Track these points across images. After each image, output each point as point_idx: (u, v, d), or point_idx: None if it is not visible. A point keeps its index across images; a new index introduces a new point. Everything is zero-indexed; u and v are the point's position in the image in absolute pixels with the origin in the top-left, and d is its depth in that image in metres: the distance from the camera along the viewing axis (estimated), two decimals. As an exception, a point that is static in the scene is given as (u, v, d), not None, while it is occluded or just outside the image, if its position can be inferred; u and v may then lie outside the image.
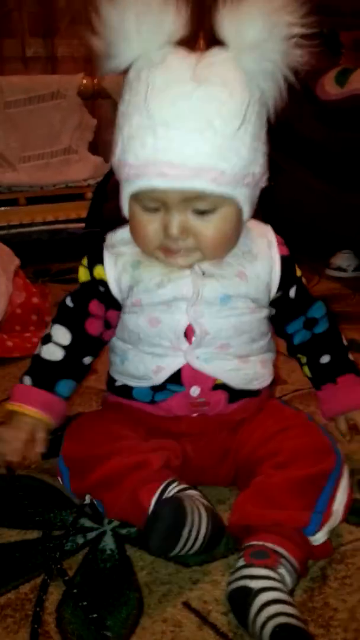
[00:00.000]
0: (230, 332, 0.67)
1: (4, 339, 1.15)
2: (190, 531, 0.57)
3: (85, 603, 0.57)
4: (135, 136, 0.57)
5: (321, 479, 0.62)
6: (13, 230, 1.81)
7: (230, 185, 0.58)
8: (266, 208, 1.70)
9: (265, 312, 0.71)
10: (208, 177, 0.57)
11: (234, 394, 0.70)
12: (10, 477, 0.76)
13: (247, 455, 0.68)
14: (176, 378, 0.68)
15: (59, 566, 0.61)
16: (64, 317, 0.71)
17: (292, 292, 0.72)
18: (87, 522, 0.69)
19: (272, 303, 0.71)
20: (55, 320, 0.72)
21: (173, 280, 0.65)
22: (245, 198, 0.61)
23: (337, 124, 1.50)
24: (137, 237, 0.64)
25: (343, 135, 1.47)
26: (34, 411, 0.68)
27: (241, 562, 0.56)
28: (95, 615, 0.55)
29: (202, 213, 0.60)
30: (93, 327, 0.70)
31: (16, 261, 1.32)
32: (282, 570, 0.55)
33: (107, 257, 0.68)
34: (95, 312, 0.70)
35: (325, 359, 0.74)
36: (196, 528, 0.58)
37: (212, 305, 0.66)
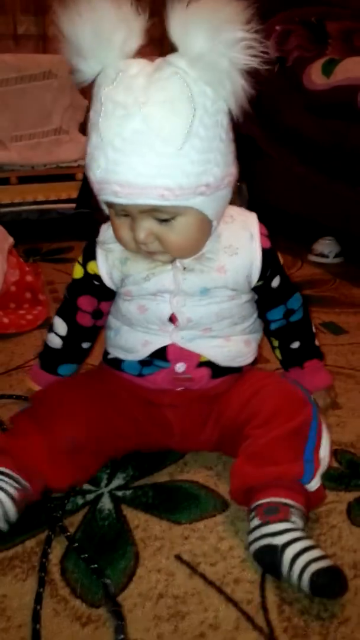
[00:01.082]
0: (212, 318, 0.73)
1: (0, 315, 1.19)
2: None
3: (86, 555, 0.63)
4: (93, 156, 0.61)
5: (303, 429, 0.69)
6: (3, 209, 1.82)
7: (181, 198, 0.60)
8: (253, 194, 1.75)
9: (245, 298, 0.75)
10: (154, 194, 0.59)
11: (218, 371, 0.75)
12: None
13: (229, 422, 0.74)
14: (162, 354, 0.74)
15: (60, 524, 0.67)
16: (61, 309, 0.81)
17: (274, 282, 0.76)
18: (86, 485, 0.74)
19: (255, 289, 0.76)
20: (57, 312, 0.82)
21: (156, 275, 0.70)
22: (203, 204, 0.63)
23: (323, 114, 1.55)
24: (118, 238, 0.68)
25: (329, 124, 1.52)
26: (30, 383, 0.86)
27: (256, 522, 0.62)
28: (95, 566, 0.61)
29: (163, 221, 0.63)
30: (84, 320, 0.80)
31: (10, 240, 1.35)
32: (295, 519, 0.62)
33: (99, 253, 0.74)
34: (84, 308, 0.79)
35: (295, 344, 0.82)
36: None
37: (192, 296, 0.71)
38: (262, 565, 0.61)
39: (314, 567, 0.57)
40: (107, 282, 0.74)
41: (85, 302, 0.78)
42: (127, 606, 0.58)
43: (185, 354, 0.74)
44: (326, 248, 1.71)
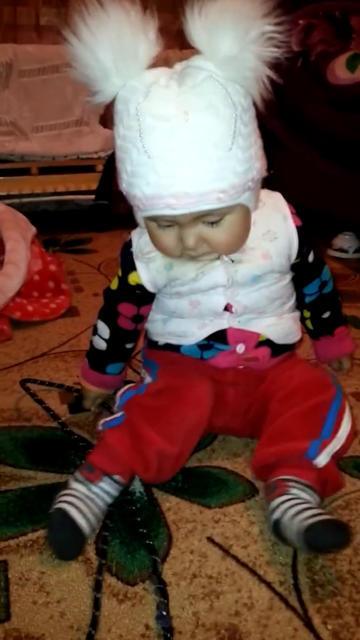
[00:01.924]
0: (265, 302, 0.75)
1: (24, 304, 1.21)
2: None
3: (144, 530, 0.65)
4: (138, 173, 0.60)
5: (323, 408, 0.70)
6: (24, 200, 1.84)
7: (234, 197, 0.62)
8: (272, 188, 1.75)
9: (289, 277, 0.78)
10: (211, 199, 0.60)
11: (276, 349, 0.78)
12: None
13: (261, 399, 0.76)
14: (222, 338, 0.75)
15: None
16: (103, 313, 0.82)
17: (310, 258, 0.78)
18: (116, 469, 0.75)
19: (292, 267, 0.77)
20: (99, 316, 0.83)
21: (207, 273, 0.71)
22: (249, 198, 0.65)
23: (347, 108, 1.54)
24: (159, 249, 0.69)
25: (352, 119, 1.51)
26: (91, 387, 0.87)
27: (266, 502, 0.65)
28: (150, 542, 0.63)
29: (212, 223, 0.64)
30: (125, 323, 0.80)
31: (33, 229, 1.37)
32: (294, 491, 0.64)
33: (139, 264, 0.74)
34: (124, 313, 0.79)
35: (326, 314, 0.86)
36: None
37: (245, 286, 0.72)
38: (280, 541, 0.63)
39: (307, 522, 0.59)
40: (151, 289, 0.75)
41: (126, 308, 0.79)
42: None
43: (245, 335, 0.75)
44: (346, 243, 1.71)
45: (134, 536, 0.65)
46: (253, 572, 0.61)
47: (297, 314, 0.81)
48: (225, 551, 0.63)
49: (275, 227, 0.73)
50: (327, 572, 0.61)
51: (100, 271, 1.54)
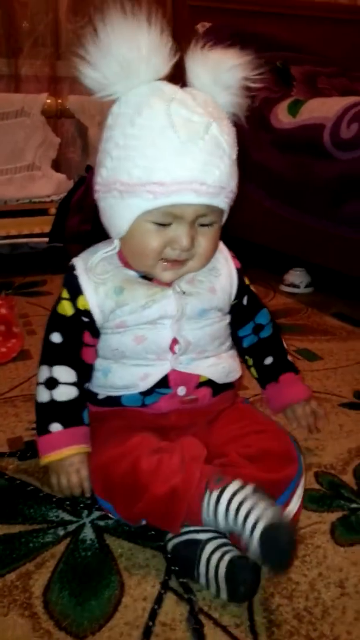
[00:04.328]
0: (207, 340, 0.75)
1: (-26, 348, 1.18)
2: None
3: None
4: (168, 158, 0.63)
5: (282, 484, 0.68)
6: (-24, 244, 1.82)
7: (230, 201, 0.69)
8: (225, 228, 1.80)
9: (228, 319, 0.79)
10: (224, 195, 0.66)
11: (217, 388, 0.77)
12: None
13: (219, 447, 0.73)
14: (163, 382, 0.73)
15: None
16: (58, 356, 0.73)
17: (245, 300, 0.80)
18: (67, 516, 0.73)
19: (230, 309, 0.79)
20: (50, 362, 0.73)
21: (157, 301, 0.71)
22: (226, 215, 0.71)
23: (290, 150, 1.61)
24: (139, 250, 0.69)
25: (295, 160, 1.58)
26: (79, 447, 0.71)
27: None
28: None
29: (205, 225, 0.68)
30: (88, 355, 0.74)
31: (-16, 273, 1.35)
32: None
33: (86, 284, 0.71)
34: (88, 342, 0.74)
35: (268, 360, 0.84)
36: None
37: (192, 320, 0.73)
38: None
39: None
40: (97, 317, 0.72)
41: (88, 337, 0.74)
42: (114, 635, 0.56)
43: (185, 378, 0.74)
44: (297, 278, 1.75)
45: (84, 586, 0.62)
46: (208, 616, 0.58)
47: (234, 351, 0.81)
48: (180, 596, 0.61)
49: (219, 265, 0.76)
50: (283, 610, 0.59)
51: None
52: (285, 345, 0.87)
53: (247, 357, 0.85)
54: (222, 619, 0.58)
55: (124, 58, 0.63)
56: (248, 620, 0.58)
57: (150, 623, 0.57)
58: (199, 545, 0.61)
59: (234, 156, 0.67)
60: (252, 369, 0.86)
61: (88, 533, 0.70)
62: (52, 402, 0.72)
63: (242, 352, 0.85)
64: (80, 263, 0.73)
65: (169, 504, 0.62)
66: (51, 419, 0.72)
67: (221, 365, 0.77)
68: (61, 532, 0.70)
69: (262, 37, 2.01)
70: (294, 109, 1.65)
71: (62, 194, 1.89)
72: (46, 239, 1.91)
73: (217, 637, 0.56)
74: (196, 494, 0.61)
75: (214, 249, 0.71)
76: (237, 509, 0.59)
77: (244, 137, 1.91)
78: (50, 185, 1.91)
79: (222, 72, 0.68)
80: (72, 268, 0.74)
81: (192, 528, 0.63)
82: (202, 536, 0.62)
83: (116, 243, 0.72)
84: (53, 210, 1.90)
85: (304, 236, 1.61)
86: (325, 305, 1.59)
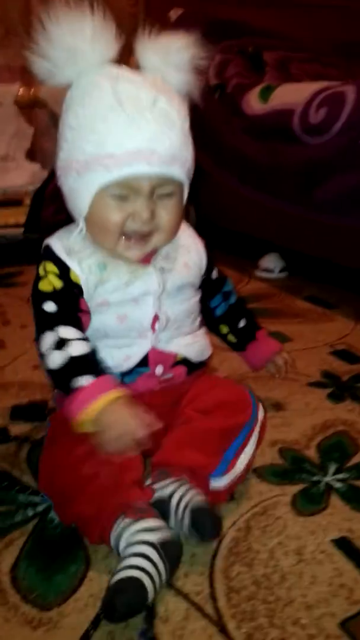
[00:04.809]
0: (184, 316, 0.78)
1: None
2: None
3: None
4: (114, 130, 0.65)
5: (235, 431, 0.73)
6: None
7: (189, 173, 0.70)
8: (200, 216, 1.82)
9: (199, 294, 0.82)
10: (179, 163, 0.67)
11: (191, 367, 0.79)
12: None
13: (180, 410, 0.76)
14: (143, 361, 0.75)
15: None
16: (57, 320, 0.70)
17: (214, 274, 0.84)
18: (36, 498, 0.74)
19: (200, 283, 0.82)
20: (51, 327, 0.69)
21: (140, 278, 0.73)
22: (186, 191, 0.72)
23: (261, 136, 1.62)
24: (101, 226, 0.69)
25: (267, 146, 1.59)
26: (120, 391, 0.66)
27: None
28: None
29: (164, 197, 0.69)
30: (84, 322, 0.72)
31: None
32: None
33: (72, 263, 0.71)
34: (83, 308, 0.72)
35: (242, 323, 0.88)
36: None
37: (171, 295, 0.75)
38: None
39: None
40: (84, 289, 0.71)
41: (83, 303, 0.72)
42: (79, 607, 0.58)
43: (163, 356, 0.76)
44: (271, 263, 1.77)
45: (50, 562, 0.64)
46: (170, 586, 0.61)
47: (204, 329, 0.84)
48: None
49: (188, 242, 0.79)
50: (243, 577, 0.62)
51: (30, 303, 1.53)
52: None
53: (221, 326, 0.88)
54: (184, 587, 0.61)
55: (69, 44, 0.65)
56: (209, 587, 0.61)
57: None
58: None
59: (186, 128, 0.69)
60: (230, 336, 0.88)
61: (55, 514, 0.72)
62: (72, 359, 0.67)
63: (215, 322, 0.87)
64: (56, 242, 0.73)
65: (87, 523, 0.65)
66: (77, 374, 0.66)
67: (197, 343, 0.80)
68: (30, 513, 0.72)
69: (234, 24, 2.02)
70: (265, 95, 1.66)
71: (37, 184, 1.89)
72: (21, 230, 1.91)
73: (178, 604, 0.59)
74: (108, 523, 0.63)
75: (177, 221, 0.72)
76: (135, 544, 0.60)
77: (217, 124, 1.92)
78: (24, 176, 1.91)
79: (171, 53, 0.69)
80: (49, 247, 0.73)
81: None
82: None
83: (81, 224, 0.72)
84: (28, 201, 1.89)
85: (277, 221, 1.62)
86: (298, 289, 1.61)
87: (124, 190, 0.67)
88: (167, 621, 0.57)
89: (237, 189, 1.74)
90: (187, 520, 0.64)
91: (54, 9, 0.66)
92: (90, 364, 0.68)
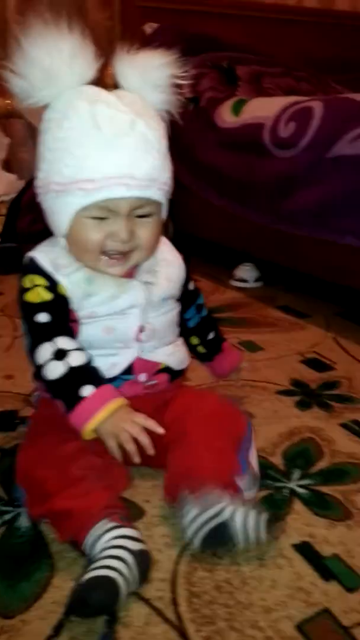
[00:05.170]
0: (167, 326, 0.81)
1: None
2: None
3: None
4: (92, 156, 0.67)
5: (239, 439, 0.75)
6: None
7: (167, 194, 0.71)
8: (178, 226, 1.85)
9: (179, 305, 0.84)
10: (157, 186, 0.69)
11: (173, 375, 0.82)
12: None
13: (176, 418, 0.76)
14: (127, 369, 0.77)
15: None
16: (53, 330, 0.71)
17: (190, 286, 0.88)
18: (2, 507, 0.75)
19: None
20: (48, 338, 0.70)
21: (126, 291, 0.75)
22: (164, 209, 0.74)
23: (234, 150, 1.65)
24: (82, 245, 0.71)
25: (239, 159, 1.62)
26: (121, 400, 0.69)
27: (195, 511, 0.65)
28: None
29: (142, 217, 0.71)
30: (76, 331, 0.74)
31: None
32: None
33: (59, 276, 0.72)
34: (73, 318, 0.73)
35: (211, 335, 0.93)
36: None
37: (155, 307, 0.78)
38: (215, 544, 0.65)
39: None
40: (72, 302, 0.72)
41: (72, 313, 0.73)
42: (41, 614, 0.59)
43: (148, 365, 0.78)
44: (246, 273, 1.79)
45: (16, 570, 0.65)
46: (132, 592, 0.62)
47: (182, 339, 0.87)
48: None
49: (168, 256, 0.82)
50: (204, 582, 0.63)
51: (4, 312, 1.53)
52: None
53: (192, 337, 0.91)
54: (146, 593, 0.62)
55: (46, 65, 0.66)
56: (170, 592, 0.62)
57: (75, 600, 0.60)
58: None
59: (164, 149, 0.70)
60: (200, 347, 0.92)
61: (23, 521, 0.72)
62: (72, 370, 0.69)
63: (187, 333, 0.90)
64: (42, 256, 0.73)
65: (63, 520, 0.65)
66: (78, 385, 0.68)
67: (178, 352, 0.83)
68: (-3, 522, 0.73)
69: (208, 38, 2.06)
70: (237, 109, 1.69)
71: (13, 194, 1.90)
72: (-2, 240, 1.91)
73: (139, 609, 0.60)
74: (89, 523, 0.63)
75: (155, 240, 0.75)
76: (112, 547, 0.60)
77: (192, 138, 1.94)
78: (0, 186, 1.91)
79: (149, 72, 0.71)
80: (34, 260, 0.73)
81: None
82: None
83: (62, 242, 0.74)
84: (4, 211, 1.90)
85: (251, 232, 1.65)
86: (272, 299, 1.64)
87: (103, 212, 0.69)
88: (129, 626, 0.58)
89: (213, 201, 1.77)
90: (262, 528, 0.64)
91: (32, 26, 0.67)
92: (90, 373, 0.70)
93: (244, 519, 0.64)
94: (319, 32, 2.40)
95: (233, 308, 1.58)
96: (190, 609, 0.60)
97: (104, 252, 0.72)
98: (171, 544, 0.68)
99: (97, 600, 0.56)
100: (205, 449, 0.71)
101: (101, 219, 0.69)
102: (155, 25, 2.08)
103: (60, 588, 0.62)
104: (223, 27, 2.19)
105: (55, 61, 0.66)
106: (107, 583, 0.57)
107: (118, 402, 0.69)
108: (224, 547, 0.65)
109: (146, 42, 2.07)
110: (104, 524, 0.63)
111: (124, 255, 0.72)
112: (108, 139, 0.66)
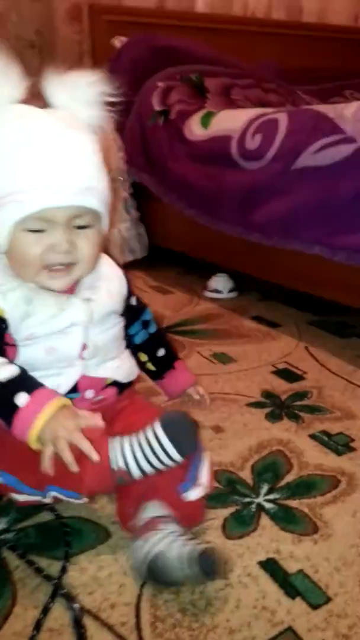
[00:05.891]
0: (110, 343, 0.79)
1: None
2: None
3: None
4: (26, 167, 0.66)
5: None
6: None
7: (103, 203, 0.71)
8: (149, 237, 1.83)
9: (123, 320, 0.83)
10: (92, 195, 0.68)
11: (121, 388, 0.80)
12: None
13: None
14: (72, 388, 0.75)
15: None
16: None
17: (132, 301, 0.86)
18: (-34, 533, 0.74)
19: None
20: None
21: (66, 309, 0.73)
22: (105, 221, 0.74)
23: (203, 162, 1.66)
24: (22, 260, 0.70)
25: (208, 171, 1.63)
26: (58, 401, 0.66)
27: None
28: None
29: (81, 228, 0.70)
30: (11, 354, 0.72)
31: None
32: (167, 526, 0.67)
33: None
34: (9, 341, 0.72)
35: (161, 352, 0.90)
36: None
37: (98, 324, 0.76)
38: (154, 576, 0.64)
39: (198, 549, 0.63)
40: (10, 322, 0.70)
41: (8, 337, 0.71)
42: (0, 646, 0.58)
43: (93, 382, 0.77)
44: (220, 284, 1.79)
45: (-24, 600, 0.63)
46: (96, 618, 0.61)
47: (129, 351, 0.85)
48: (71, 600, 0.63)
49: (108, 272, 0.81)
50: (169, 605, 0.62)
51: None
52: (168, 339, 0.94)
53: (140, 354, 0.89)
54: (109, 619, 0.61)
55: None
56: (134, 617, 0.61)
57: (35, 632, 0.59)
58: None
59: (97, 160, 0.71)
60: (149, 364, 0.90)
61: (-13, 548, 0.71)
62: (1, 385, 0.66)
63: (134, 350, 0.88)
64: None
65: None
66: (11, 396, 0.66)
67: (124, 366, 0.81)
68: None
69: (178, 51, 2.07)
70: (205, 121, 1.70)
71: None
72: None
73: (102, 636, 0.59)
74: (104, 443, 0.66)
75: (95, 252, 0.74)
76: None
77: (162, 150, 1.95)
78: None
79: (78, 89, 0.72)
80: None
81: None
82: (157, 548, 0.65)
83: (2, 257, 0.72)
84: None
85: (222, 244, 1.66)
86: (245, 309, 1.64)
87: (40, 223, 0.68)
88: (90, 655, 0.57)
89: (184, 212, 1.78)
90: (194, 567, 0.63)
91: None
92: (21, 381, 0.67)
93: (179, 552, 0.63)
94: (288, 44, 2.43)
95: (206, 319, 1.58)
96: (154, 633, 0.59)
97: (45, 267, 0.70)
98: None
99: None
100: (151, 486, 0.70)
101: (40, 231, 0.68)
102: (124, 39, 2.09)
103: (22, 617, 0.61)
104: (192, 40, 2.20)
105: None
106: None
107: (56, 402, 0.65)
108: (166, 581, 0.64)
109: (113, 57, 2.10)
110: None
111: (66, 267, 0.71)
112: (39, 150, 0.67)
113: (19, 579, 0.66)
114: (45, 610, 0.62)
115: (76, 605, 0.63)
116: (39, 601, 0.63)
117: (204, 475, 0.74)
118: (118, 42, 2.11)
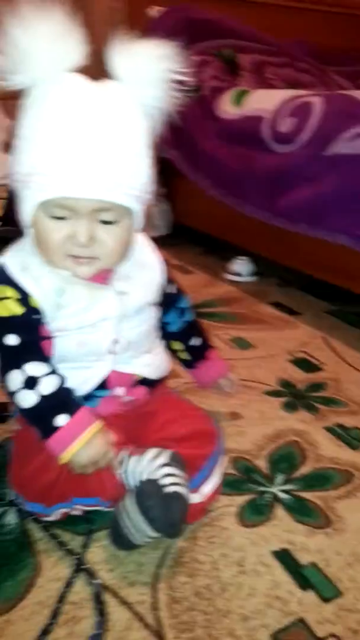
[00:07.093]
0: (143, 337, 0.77)
1: None
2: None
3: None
4: (54, 150, 0.62)
5: (200, 460, 0.74)
6: None
7: (136, 200, 0.65)
8: (175, 218, 1.82)
9: (158, 310, 0.81)
10: (121, 190, 0.63)
11: (151, 384, 0.79)
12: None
13: (151, 435, 0.77)
14: (102, 383, 0.74)
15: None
16: (22, 356, 0.68)
17: (170, 288, 0.83)
18: (-9, 503, 0.76)
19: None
20: (18, 365, 0.68)
21: (98, 303, 0.71)
22: (138, 215, 0.69)
23: (233, 141, 1.64)
24: (45, 244, 0.67)
25: (238, 151, 1.61)
26: (95, 426, 0.69)
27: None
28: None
29: (106, 223, 0.66)
30: (49, 348, 0.71)
31: None
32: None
33: (29, 284, 0.68)
34: (46, 334, 0.70)
35: (195, 341, 0.88)
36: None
37: (130, 318, 0.74)
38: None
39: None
40: (45, 313, 0.69)
41: (45, 330, 0.70)
42: (25, 614, 0.61)
43: (123, 378, 0.76)
44: (241, 267, 1.79)
45: (1, 569, 0.66)
46: (115, 595, 0.63)
47: (162, 345, 0.84)
48: (92, 576, 0.66)
49: (148, 259, 0.77)
50: (185, 588, 0.65)
51: None
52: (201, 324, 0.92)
53: (174, 342, 0.88)
54: (128, 597, 0.63)
55: (24, 47, 0.61)
56: (151, 597, 0.63)
57: (59, 604, 0.62)
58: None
59: (140, 153, 0.65)
60: (183, 353, 0.88)
61: (12, 518, 0.74)
62: (44, 398, 0.67)
63: (168, 338, 0.87)
64: (12, 262, 0.70)
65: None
66: (53, 415, 0.67)
67: (155, 363, 0.80)
68: (-16, 520, 0.74)
69: (212, 24, 2.02)
70: (238, 99, 1.67)
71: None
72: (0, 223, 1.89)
73: (121, 613, 0.61)
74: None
75: (121, 248, 0.69)
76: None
77: (192, 126, 1.92)
78: (0, 169, 1.89)
79: (146, 65, 0.65)
80: (4, 270, 0.69)
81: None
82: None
83: (30, 234, 0.70)
84: (4, 194, 1.88)
85: (245, 226, 1.65)
86: (265, 295, 1.64)
87: (62, 211, 0.64)
88: (110, 631, 0.59)
89: (209, 192, 1.76)
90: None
91: (19, 3, 0.60)
92: (63, 400, 0.68)
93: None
94: (324, 22, 2.36)
95: (225, 303, 1.58)
96: (171, 614, 0.61)
97: (69, 255, 0.67)
98: (154, 546, 0.70)
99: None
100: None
101: (61, 219, 0.65)
102: (160, 8, 2.04)
103: (45, 588, 0.64)
104: (229, 12, 2.15)
105: (32, 44, 0.61)
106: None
107: (93, 429, 0.68)
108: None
109: (149, 27, 2.05)
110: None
111: (88, 258, 0.68)
112: (70, 131, 0.61)
113: (43, 550, 0.69)
114: (68, 584, 0.64)
115: (97, 581, 0.65)
116: (60, 574, 0.66)
117: (208, 487, 0.75)
118: (154, 11, 2.06)
